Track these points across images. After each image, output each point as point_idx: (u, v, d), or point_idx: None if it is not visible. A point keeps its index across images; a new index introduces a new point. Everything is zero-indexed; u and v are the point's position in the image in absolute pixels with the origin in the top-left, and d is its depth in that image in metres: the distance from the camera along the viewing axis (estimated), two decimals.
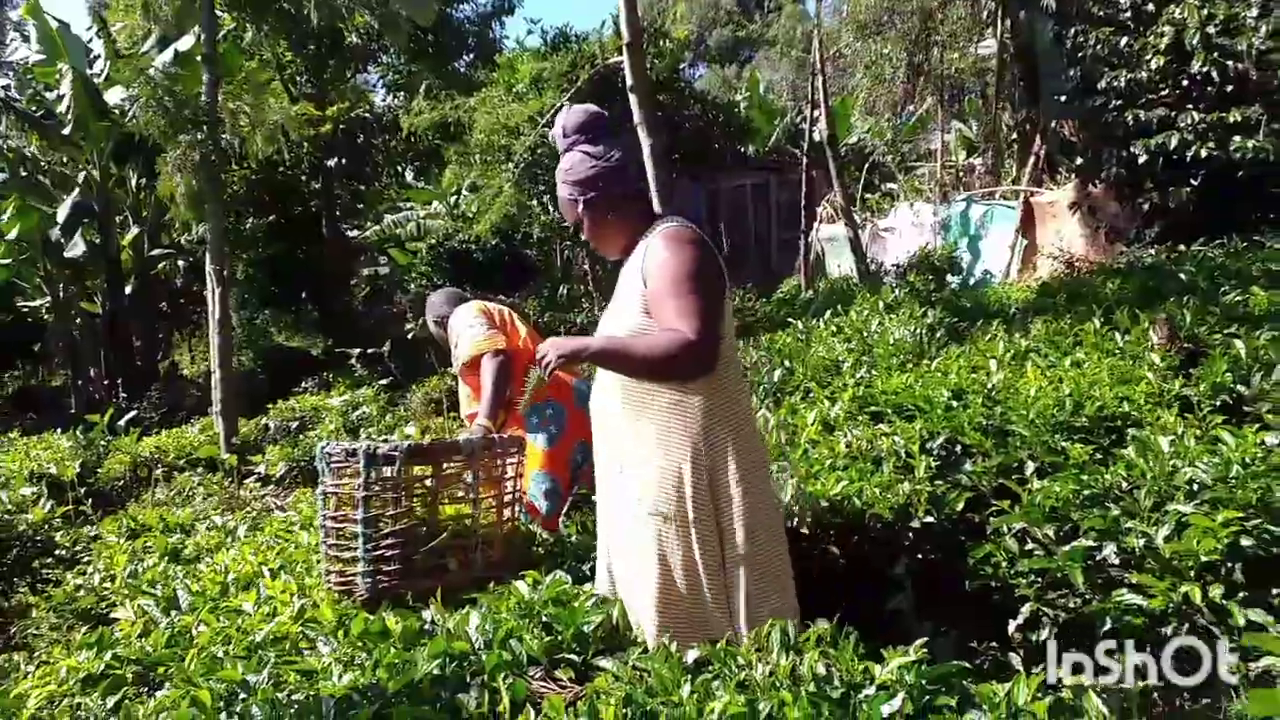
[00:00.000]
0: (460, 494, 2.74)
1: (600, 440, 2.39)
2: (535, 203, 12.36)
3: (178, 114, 8.64)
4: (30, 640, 3.56)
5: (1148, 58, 9.03)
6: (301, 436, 7.82)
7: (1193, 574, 2.23)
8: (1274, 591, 2.24)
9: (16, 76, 15.81)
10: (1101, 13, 9.86)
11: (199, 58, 9.75)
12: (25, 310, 18.68)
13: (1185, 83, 8.89)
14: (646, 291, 2.19)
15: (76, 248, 15.65)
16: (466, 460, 2.71)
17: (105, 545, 4.23)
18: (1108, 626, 2.27)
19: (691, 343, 2.05)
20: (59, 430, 8.79)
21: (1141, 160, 8.90)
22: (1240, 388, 3.43)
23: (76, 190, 15.22)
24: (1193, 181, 8.73)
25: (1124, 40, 9.33)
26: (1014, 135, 14.16)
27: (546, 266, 15.44)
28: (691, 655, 1.92)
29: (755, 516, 2.18)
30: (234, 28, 14.03)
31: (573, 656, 2.06)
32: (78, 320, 18.12)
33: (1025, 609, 2.43)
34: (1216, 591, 2.15)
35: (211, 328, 8.96)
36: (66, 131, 13.94)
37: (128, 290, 16.48)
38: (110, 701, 2.19)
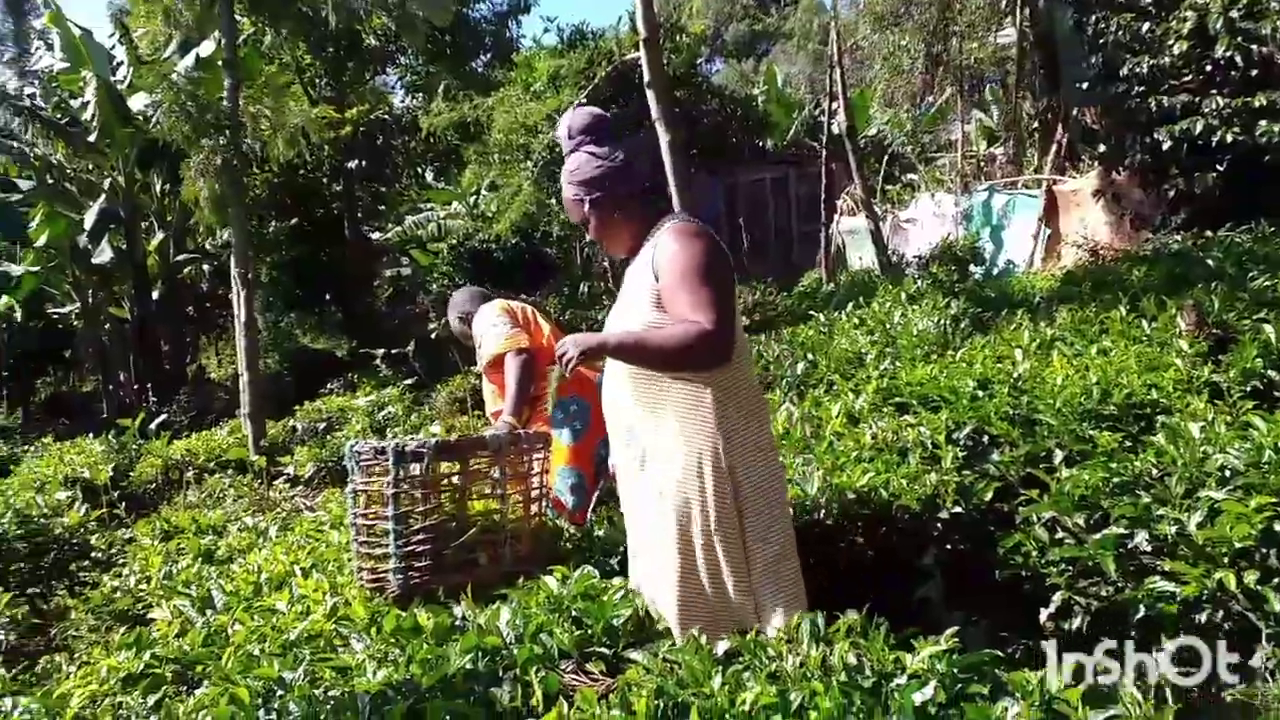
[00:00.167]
0: (488, 490, 2.76)
1: (617, 438, 2.41)
2: (554, 201, 12.38)
3: (200, 119, 8.73)
4: (70, 642, 3.62)
5: (1170, 43, 8.91)
6: (329, 437, 7.89)
7: (1226, 560, 2.21)
8: None
9: (42, 85, 16.00)
10: None
11: (220, 62, 9.84)
12: (55, 317, 18.93)
13: (1209, 68, 8.76)
14: (658, 285, 2.22)
15: (104, 254, 15.84)
16: (494, 456, 2.73)
17: (140, 547, 4.29)
18: (1140, 614, 2.25)
19: (708, 333, 2.09)
20: (91, 435, 8.91)
21: (1166, 146, 8.79)
22: (1271, 373, 3.39)
23: (103, 197, 15.40)
24: (1218, 167, 8.61)
25: (1146, 26, 9.20)
26: (1035, 124, 14.05)
27: (566, 264, 15.48)
28: (722, 647, 1.93)
29: (773, 505, 2.23)
30: (253, 32, 14.14)
31: (603, 649, 2.07)
32: (106, 326, 18.35)
33: (1057, 598, 2.42)
34: (1251, 577, 2.13)
35: (237, 331, 9.05)
36: (92, 138, 14.13)
37: (155, 295, 16.68)
38: (151, 700, 2.22)
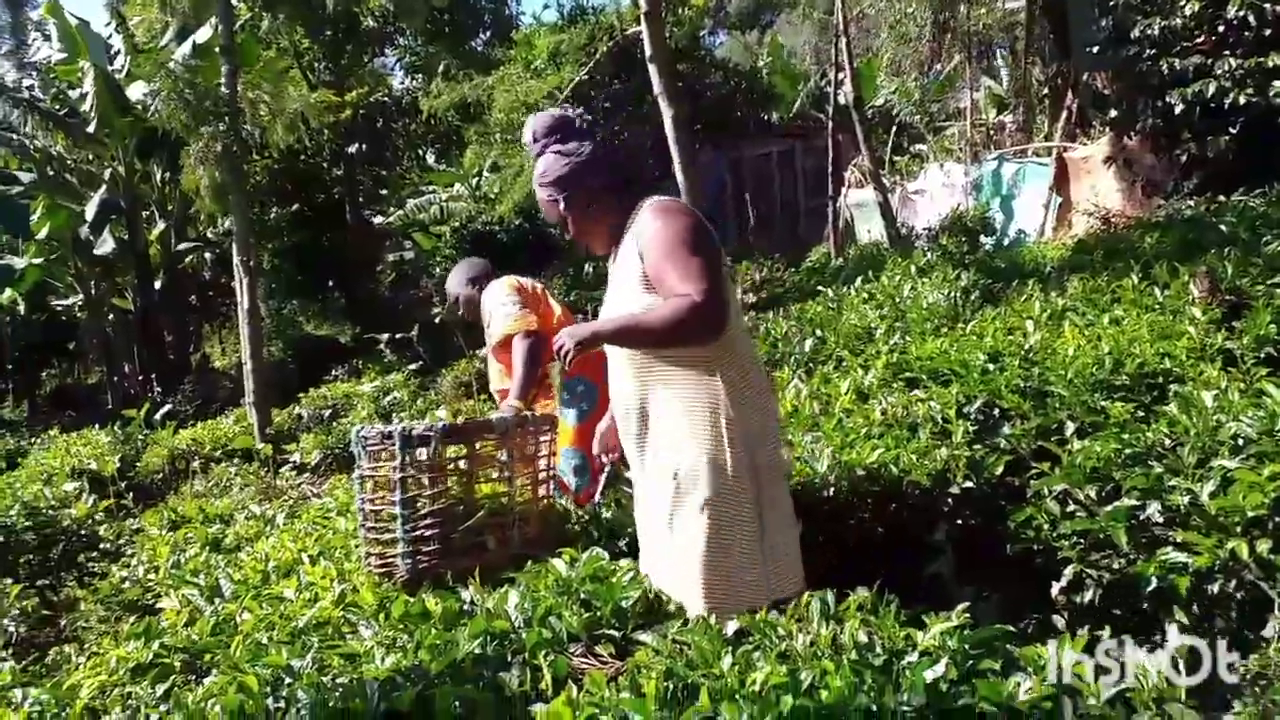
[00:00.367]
0: (495, 473, 2.75)
1: (624, 423, 2.41)
2: None
3: (199, 106, 8.70)
4: (80, 632, 3.64)
5: (1182, 3, 8.76)
6: (334, 424, 7.91)
7: (1239, 530, 2.18)
8: None
9: (40, 76, 15.97)
10: None
11: (217, 49, 9.79)
12: (59, 309, 18.99)
13: (1221, 28, 8.61)
14: (645, 266, 2.23)
15: (106, 244, 15.86)
16: (500, 439, 2.71)
17: (147, 537, 4.31)
18: (1153, 586, 2.23)
19: (698, 304, 2.09)
20: (97, 426, 8.94)
21: (1178, 110, 8.66)
22: None
23: (103, 187, 15.39)
24: (1231, 130, 8.48)
25: None
26: (1045, 90, 13.89)
27: (570, 245, 15.42)
28: (731, 627, 1.92)
29: (778, 472, 2.28)
30: (250, 17, 14.07)
31: (612, 632, 2.06)
32: (110, 317, 18.40)
33: (1068, 571, 2.40)
34: (1264, 546, 2.10)
35: (241, 319, 9.06)
36: (91, 129, 14.10)
37: (157, 285, 16.70)
38: (160, 689, 2.22)
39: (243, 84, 9.56)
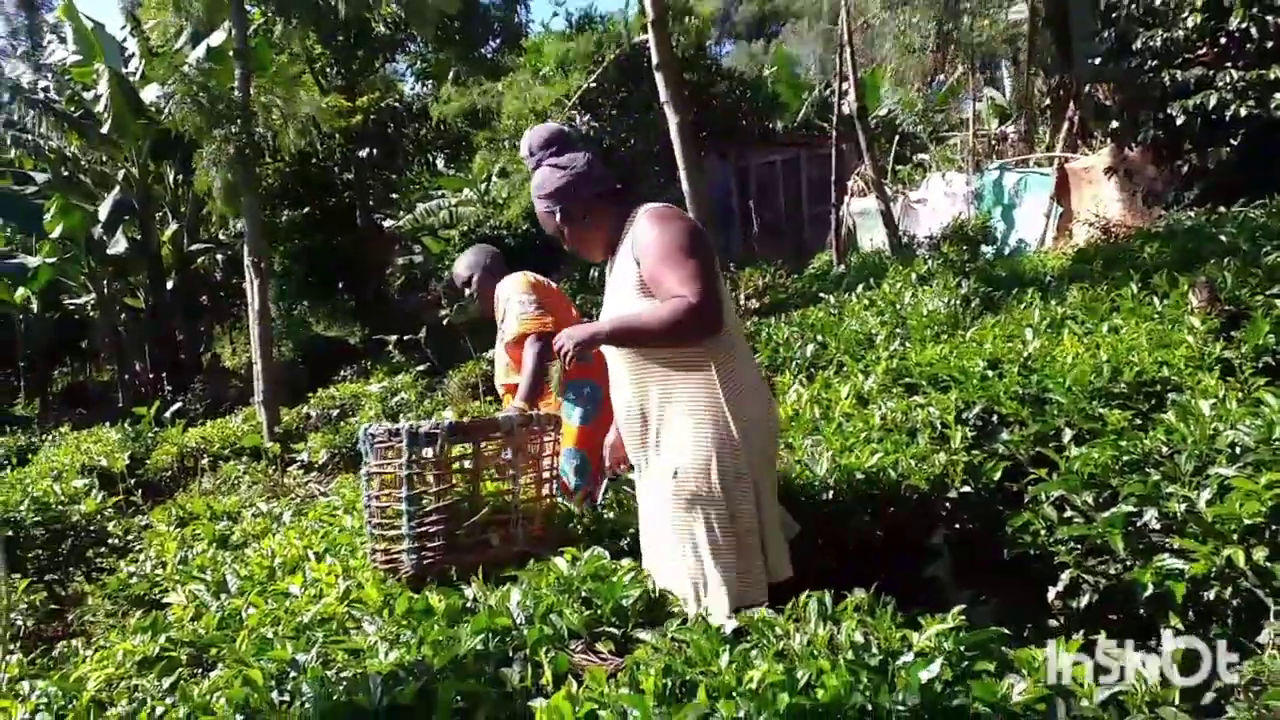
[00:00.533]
0: (500, 471, 2.78)
1: (626, 426, 2.45)
2: None
3: (212, 109, 8.75)
4: (87, 626, 3.67)
5: (1184, 15, 8.78)
6: (342, 424, 7.94)
7: (1236, 537, 2.20)
8: None
9: (55, 78, 16.06)
10: None
11: (230, 53, 9.86)
12: (71, 308, 19.07)
13: (1223, 40, 8.63)
14: (641, 271, 2.28)
15: (119, 245, 15.93)
16: (506, 438, 2.74)
17: (156, 533, 4.34)
18: (1149, 592, 2.25)
19: (694, 305, 2.14)
20: (108, 424, 8.99)
21: (1179, 121, 8.67)
22: None
23: (117, 188, 15.48)
24: (1232, 141, 8.49)
25: None
26: (1047, 101, 13.89)
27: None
28: (730, 625, 1.94)
29: (771, 473, 2.35)
30: (263, 22, 14.14)
31: (613, 629, 2.09)
32: (122, 316, 18.47)
33: (1065, 576, 2.42)
34: (1260, 554, 2.12)
35: (251, 319, 9.11)
36: (105, 130, 14.18)
37: (169, 285, 16.78)
38: (166, 682, 2.25)
39: (255, 88, 9.62)
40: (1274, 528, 2.23)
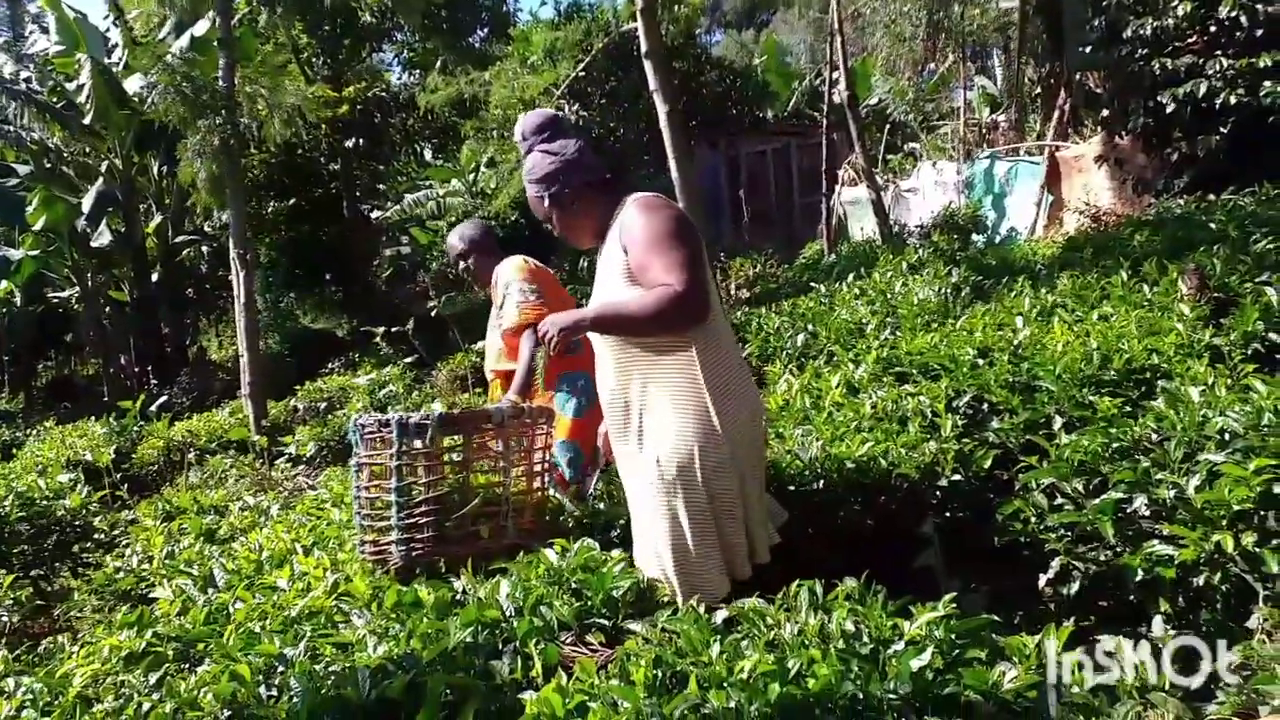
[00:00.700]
0: (490, 463, 2.76)
1: (612, 415, 2.44)
2: None
3: (196, 99, 8.66)
4: (73, 622, 3.64)
5: (1174, 4, 8.77)
6: (330, 416, 7.89)
7: (1225, 523, 2.20)
8: None
9: (37, 68, 15.89)
10: None
11: (215, 42, 9.77)
12: (55, 301, 18.94)
13: (1213, 28, 8.63)
14: (629, 259, 2.28)
15: (103, 237, 15.81)
16: (497, 429, 2.73)
17: (142, 528, 4.30)
18: (1139, 578, 2.25)
19: (679, 294, 2.15)
20: (93, 418, 8.93)
21: (1169, 110, 8.68)
22: (1272, 335, 3.38)
23: (100, 180, 15.34)
24: (1222, 129, 8.50)
25: None
26: (1038, 89, 13.91)
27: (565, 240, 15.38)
28: (720, 615, 1.94)
29: (757, 459, 2.38)
30: (248, 11, 14.03)
31: (603, 621, 2.08)
32: (107, 309, 18.35)
33: (1055, 563, 2.43)
34: (1249, 539, 2.12)
35: (237, 312, 9.04)
36: (88, 121, 14.04)
37: (154, 278, 16.66)
38: (153, 678, 2.23)
39: (240, 78, 9.53)
40: (1263, 513, 2.24)
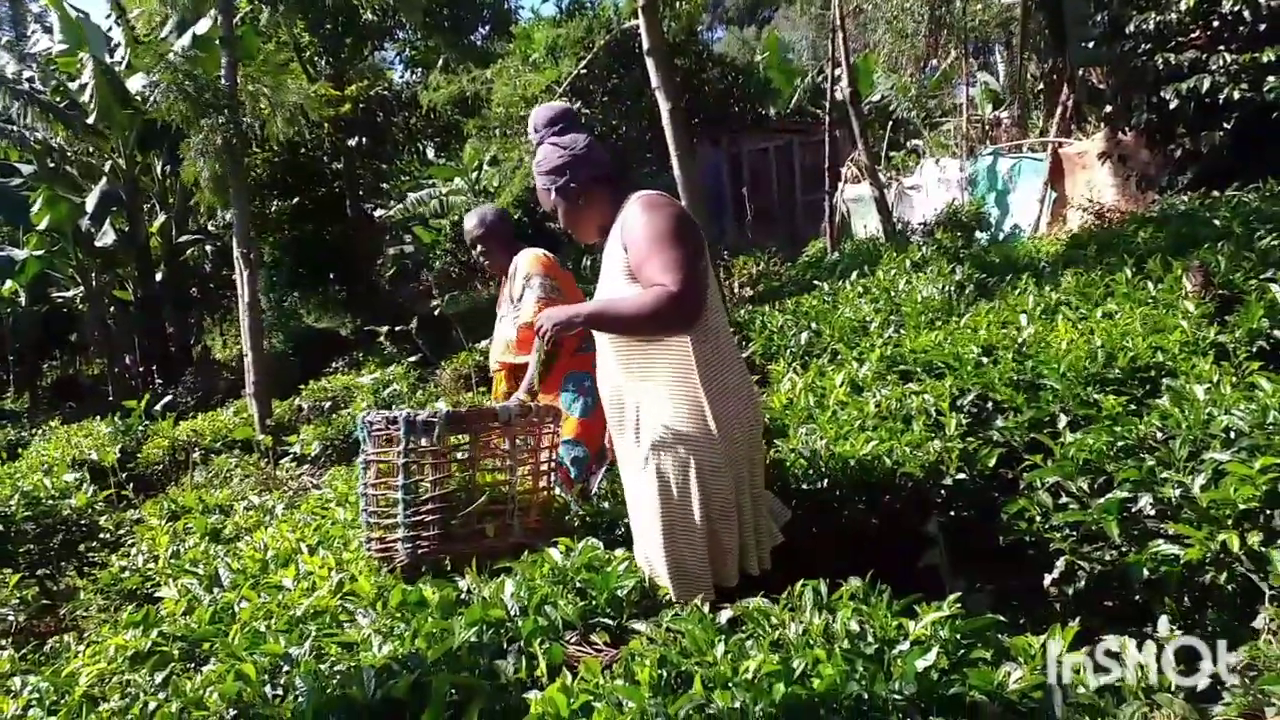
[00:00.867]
0: (497, 462, 2.76)
1: (612, 414, 2.46)
2: None
3: (198, 98, 8.66)
4: (79, 621, 3.65)
5: None
6: (334, 416, 7.90)
7: (1230, 522, 2.20)
8: None
9: (40, 68, 15.90)
10: None
11: (217, 41, 9.76)
12: (60, 300, 18.95)
13: (1216, 23, 8.61)
14: (629, 257, 2.29)
15: (106, 236, 15.82)
16: (503, 428, 2.73)
17: (147, 527, 4.31)
18: (1144, 577, 2.25)
19: (675, 294, 2.15)
20: (98, 417, 8.94)
21: (1173, 105, 8.65)
22: (1277, 333, 3.37)
23: (103, 179, 15.34)
24: (1226, 125, 8.48)
25: None
26: (1041, 86, 13.88)
27: (570, 238, 15.39)
28: (725, 615, 1.93)
29: (756, 456, 2.38)
30: (250, 9, 14.02)
31: (607, 620, 2.08)
32: (111, 309, 18.37)
33: (1060, 562, 2.42)
34: (1255, 539, 2.12)
35: (241, 311, 9.05)
36: (91, 121, 14.05)
37: (158, 277, 16.67)
38: (158, 677, 2.23)
39: (242, 76, 9.52)
40: (1268, 513, 2.23)
